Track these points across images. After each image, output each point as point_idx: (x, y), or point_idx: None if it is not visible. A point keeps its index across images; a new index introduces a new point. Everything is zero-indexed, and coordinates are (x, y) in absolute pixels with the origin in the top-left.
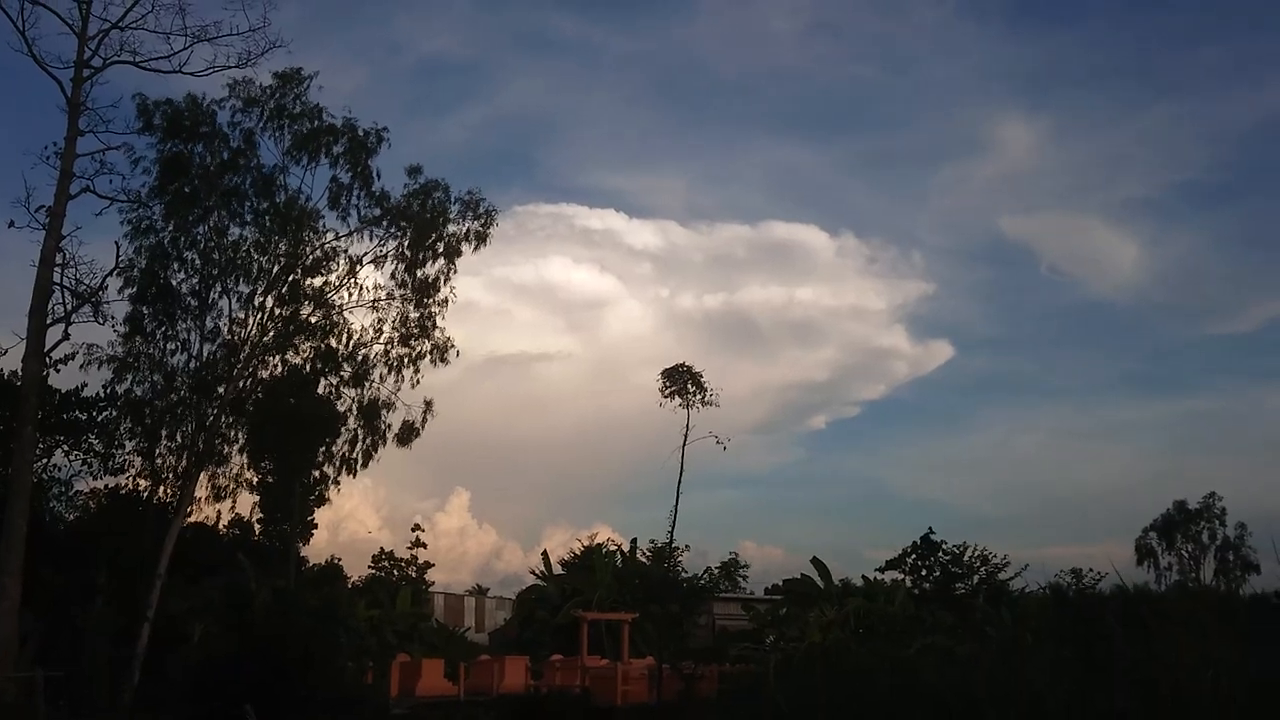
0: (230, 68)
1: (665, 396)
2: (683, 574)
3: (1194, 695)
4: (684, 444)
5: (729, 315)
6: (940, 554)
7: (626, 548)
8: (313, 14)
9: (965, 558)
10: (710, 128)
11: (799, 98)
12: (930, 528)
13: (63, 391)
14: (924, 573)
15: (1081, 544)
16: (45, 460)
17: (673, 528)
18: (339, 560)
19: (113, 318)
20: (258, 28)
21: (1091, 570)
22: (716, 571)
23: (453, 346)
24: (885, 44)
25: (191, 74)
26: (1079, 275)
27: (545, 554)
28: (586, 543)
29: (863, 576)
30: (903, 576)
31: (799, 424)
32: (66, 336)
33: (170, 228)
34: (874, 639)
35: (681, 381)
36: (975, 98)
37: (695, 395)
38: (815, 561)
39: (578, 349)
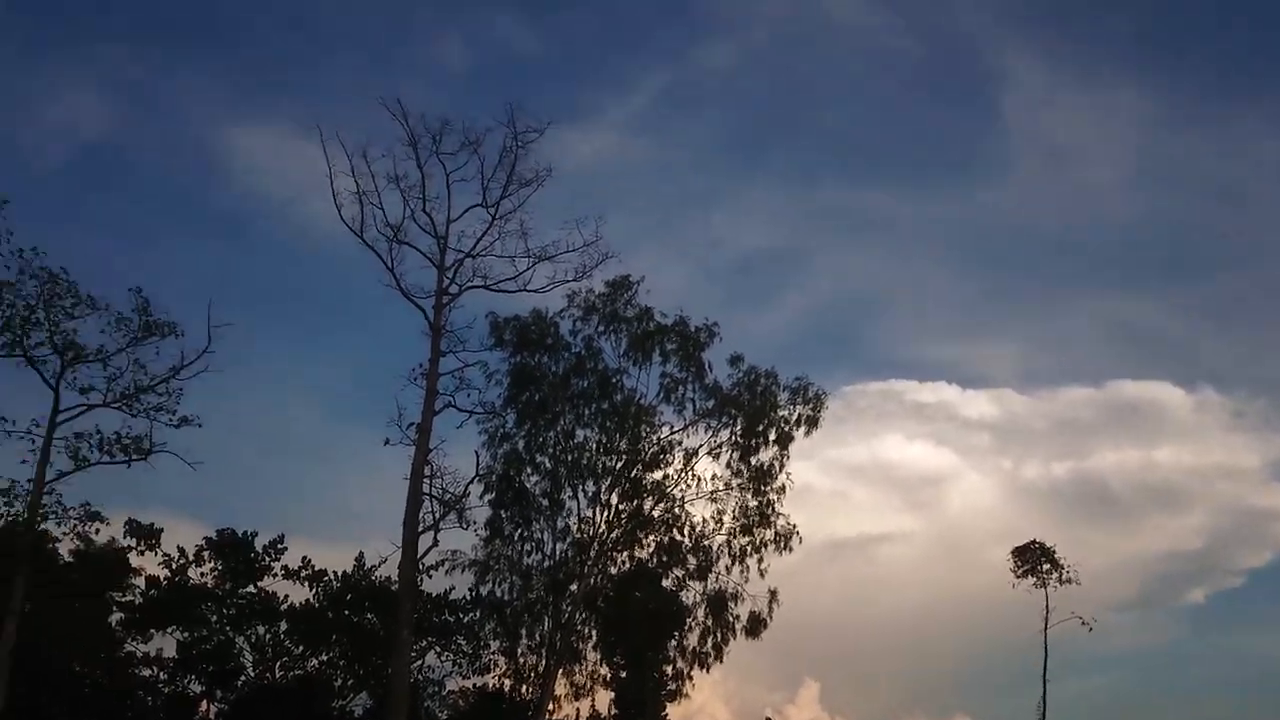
0: (568, 281)
1: (1018, 576)
2: None
3: None
4: (1045, 626)
5: (1080, 483)
6: None
7: None
8: (636, 221)
9: None
10: (1038, 288)
11: (1131, 246)
12: None
13: (433, 595)
14: None
15: None
16: (420, 661)
17: (1042, 716)
18: None
19: (474, 523)
20: (591, 242)
21: None
22: None
23: (795, 533)
24: (1223, 181)
25: (535, 291)
26: None
27: None
28: None
29: None
30: None
31: (1174, 598)
32: (436, 543)
33: (522, 434)
34: None
35: (1034, 559)
36: None
37: (1051, 573)
38: None
39: (919, 527)
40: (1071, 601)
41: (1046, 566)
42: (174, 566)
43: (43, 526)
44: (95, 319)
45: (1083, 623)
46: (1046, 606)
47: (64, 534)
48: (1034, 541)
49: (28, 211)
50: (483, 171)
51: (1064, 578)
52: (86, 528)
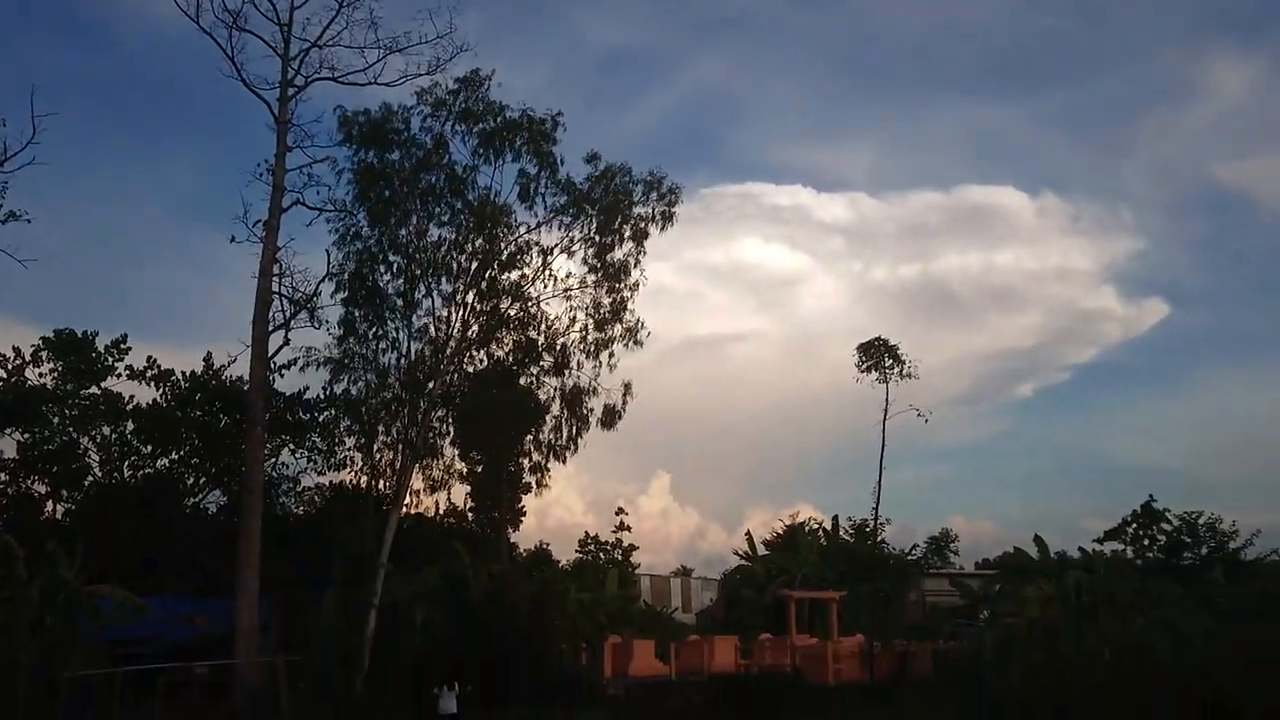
0: (420, 75)
1: (862, 371)
2: (889, 551)
3: None
4: (884, 419)
5: (925, 285)
6: (1164, 523)
7: (829, 526)
8: (494, 15)
9: (1197, 524)
10: (895, 94)
11: (986, 55)
12: (1151, 495)
13: (287, 394)
14: (1147, 543)
15: None
16: (274, 459)
17: (877, 504)
18: (548, 545)
19: (328, 322)
20: (445, 35)
21: None
22: (924, 547)
23: (643, 327)
24: None
25: (386, 84)
26: None
27: (749, 534)
28: (788, 522)
29: (1079, 548)
30: (1123, 547)
31: (1004, 393)
32: (287, 342)
33: (375, 232)
34: (1096, 614)
35: (878, 355)
36: (1179, 40)
37: (893, 369)
38: (1037, 540)
39: (771, 328)
40: (911, 396)
41: (889, 362)
42: (9, 368)
43: None
44: None
45: (919, 415)
46: (886, 400)
47: None
48: (878, 338)
49: None
50: None
51: (904, 372)
52: None
